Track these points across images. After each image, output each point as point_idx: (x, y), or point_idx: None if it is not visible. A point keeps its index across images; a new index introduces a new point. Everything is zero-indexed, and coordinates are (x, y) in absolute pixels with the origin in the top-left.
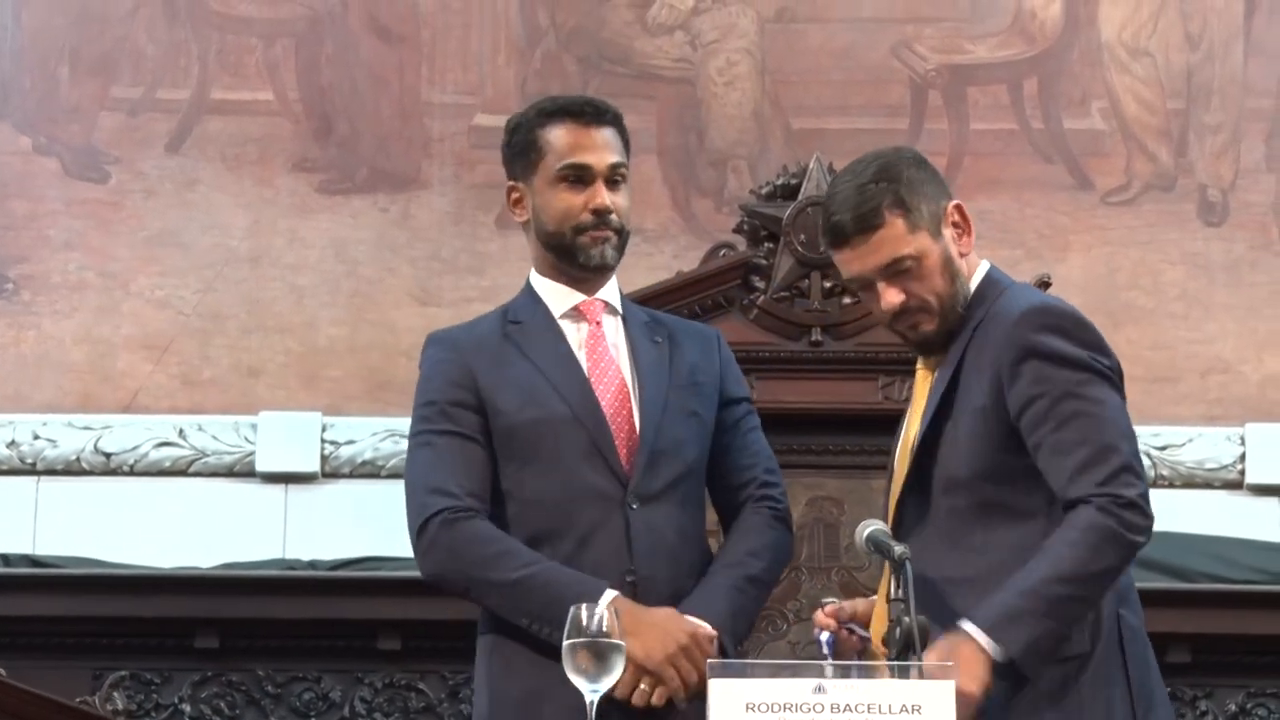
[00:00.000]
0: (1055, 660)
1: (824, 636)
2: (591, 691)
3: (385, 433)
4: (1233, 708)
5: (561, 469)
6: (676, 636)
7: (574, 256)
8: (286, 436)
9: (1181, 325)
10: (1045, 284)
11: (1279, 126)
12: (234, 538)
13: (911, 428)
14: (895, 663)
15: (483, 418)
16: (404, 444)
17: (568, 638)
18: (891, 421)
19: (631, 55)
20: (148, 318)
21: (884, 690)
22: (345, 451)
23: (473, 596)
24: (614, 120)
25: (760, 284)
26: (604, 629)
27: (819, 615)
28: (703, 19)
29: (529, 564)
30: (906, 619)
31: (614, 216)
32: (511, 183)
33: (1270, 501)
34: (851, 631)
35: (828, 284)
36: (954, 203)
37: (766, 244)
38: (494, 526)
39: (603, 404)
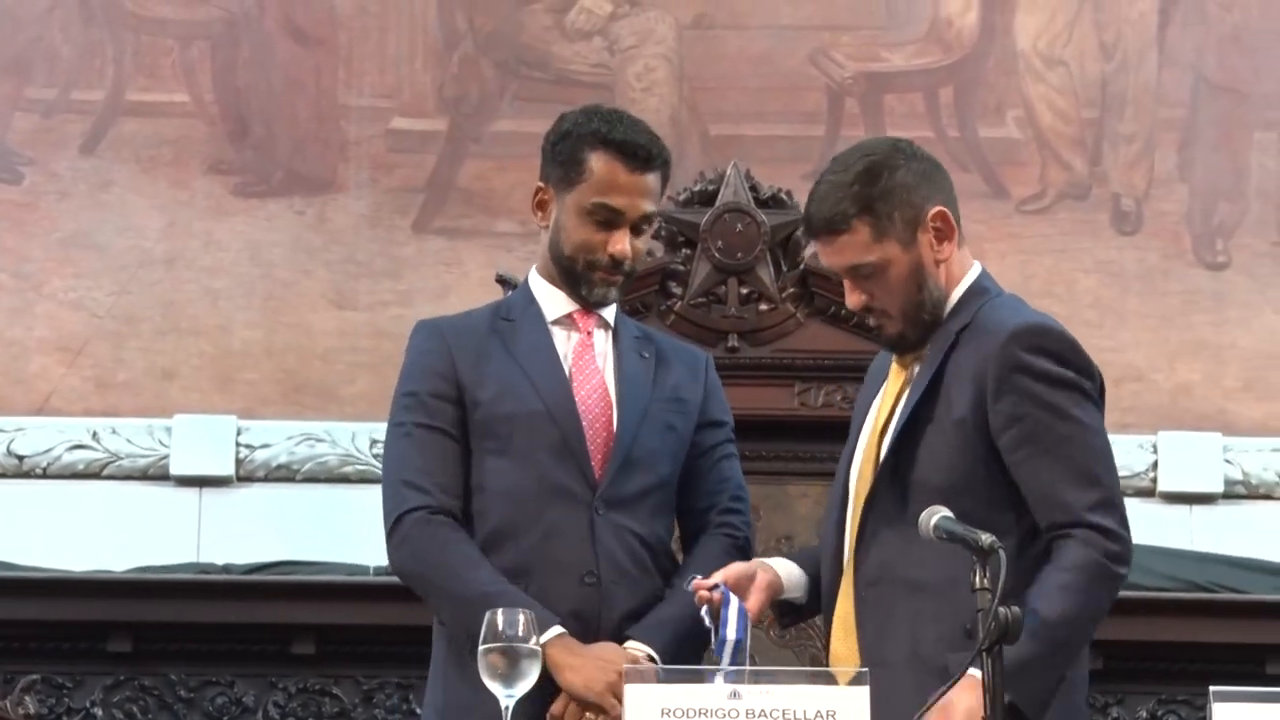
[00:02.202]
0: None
1: (704, 611)
2: (506, 696)
3: (300, 436)
4: (1144, 714)
5: (532, 464)
6: (616, 664)
7: (578, 286)
8: (201, 440)
9: (1095, 333)
10: None
11: (1192, 136)
12: (148, 541)
13: (879, 424)
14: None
15: (461, 410)
16: (319, 448)
17: (483, 642)
18: (807, 427)
19: (549, 60)
20: (61, 320)
21: (799, 696)
22: (260, 455)
23: (430, 602)
24: (662, 165)
25: (677, 290)
26: (519, 634)
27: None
28: (621, 25)
29: (490, 584)
30: (1002, 610)
31: (628, 263)
32: (541, 184)
33: (1181, 509)
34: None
35: (745, 290)
36: (936, 209)
37: (684, 250)
38: (466, 535)
39: (581, 407)
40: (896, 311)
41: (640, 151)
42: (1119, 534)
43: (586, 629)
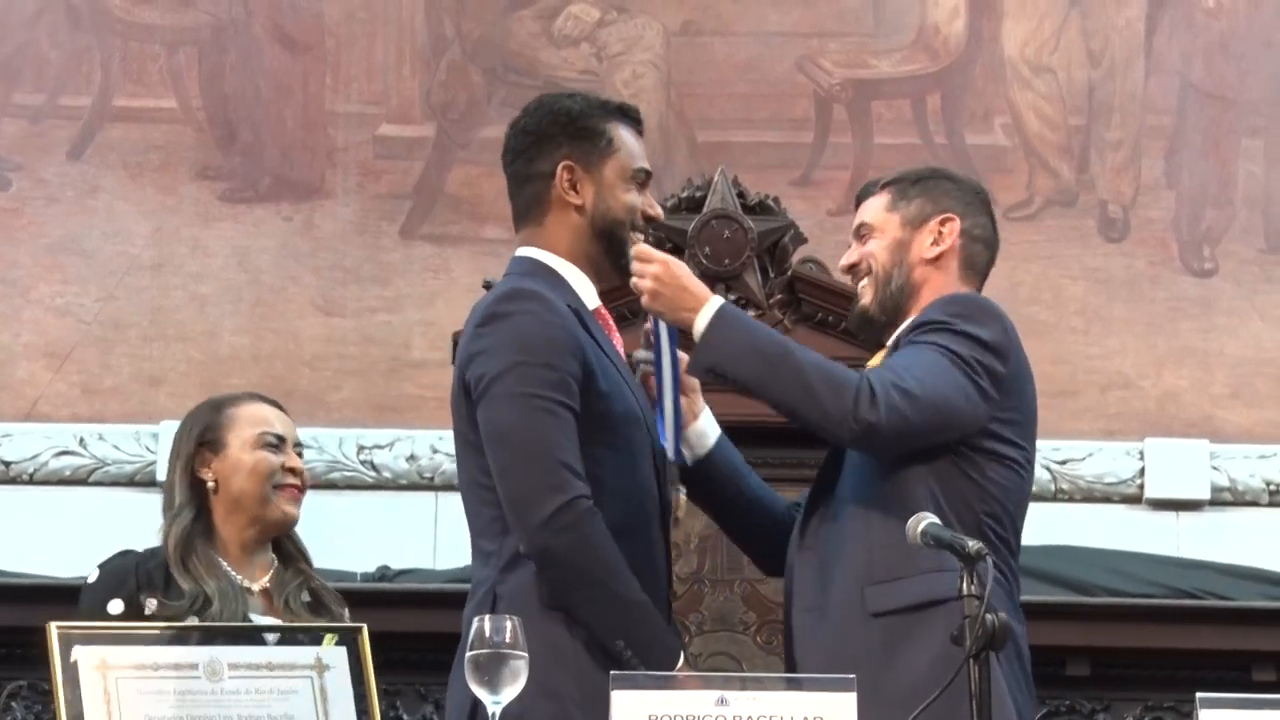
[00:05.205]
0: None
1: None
2: (493, 703)
3: None
4: None
5: (641, 469)
6: None
7: (619, 252)
8: None
9: (1082, 340)
10: None
11: (1179, 143)
12: (134, 547)
13: None
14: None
15: (582, 396)
16: (305, 454)
17: (470, 649)
18: (794, 434)
19: (537, 67)
20: (48, 325)
21: (785, 702)
22: None
23: (578, 596)
24: None
25: None
26: (505, 640)
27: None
28: (608, 31)
29: (641, 593)
30: (989, 616)
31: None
32: (569, 162)
33: (1168, 516)
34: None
35: (732, 296)
36: (943, 215)
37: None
38: None
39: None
40: (877, 276)
41: (639, 118)
42: (879, 403)
43: None
